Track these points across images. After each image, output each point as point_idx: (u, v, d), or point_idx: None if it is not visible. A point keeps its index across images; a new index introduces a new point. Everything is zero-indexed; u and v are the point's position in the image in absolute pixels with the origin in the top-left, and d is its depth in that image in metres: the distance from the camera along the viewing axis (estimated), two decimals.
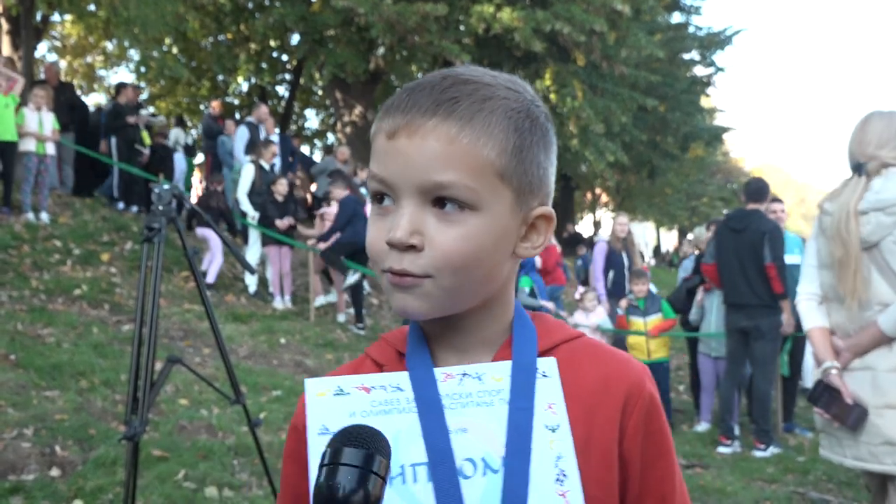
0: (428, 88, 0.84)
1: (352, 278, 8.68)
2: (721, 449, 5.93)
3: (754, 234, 5.72)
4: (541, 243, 0.90)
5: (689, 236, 14.55)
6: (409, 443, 0.82)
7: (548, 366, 0.87)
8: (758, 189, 5.96)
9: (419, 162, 0.81)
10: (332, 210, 9.15)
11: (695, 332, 6.88)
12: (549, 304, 9.36)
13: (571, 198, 24.19)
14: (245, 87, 20.53)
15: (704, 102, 23.39)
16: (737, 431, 6.07)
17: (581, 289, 7.87)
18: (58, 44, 20.16)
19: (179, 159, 12.45)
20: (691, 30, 20.71)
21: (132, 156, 10.52)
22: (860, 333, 2.60)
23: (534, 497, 0.80)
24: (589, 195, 30.51)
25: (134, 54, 18.35)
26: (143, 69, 17.33)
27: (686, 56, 20.82)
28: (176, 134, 13.40)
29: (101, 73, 22.21)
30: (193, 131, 19.06)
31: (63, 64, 19.29)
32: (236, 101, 20.52)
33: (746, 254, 5.73)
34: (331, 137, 21.73)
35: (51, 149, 9.04)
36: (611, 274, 7.97)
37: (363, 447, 0.67)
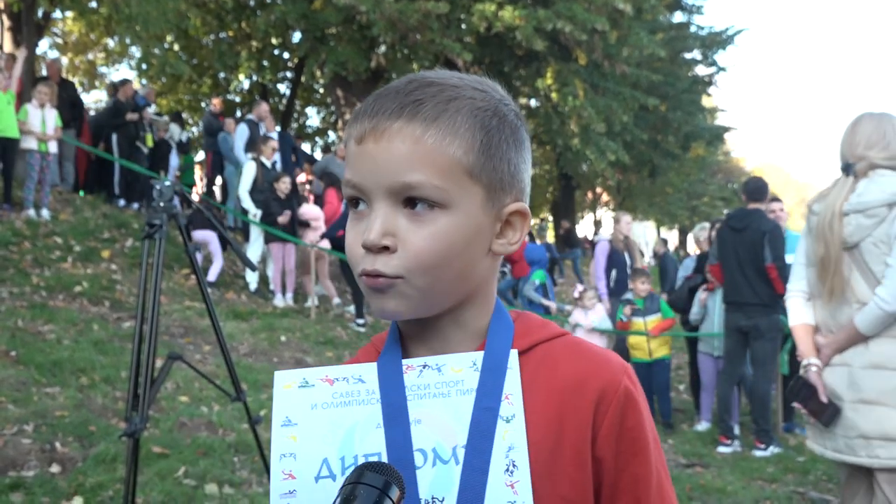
0: (393, 92, 0.85)
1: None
2: (721, 448, 5.94)
3: (755, 234, 5.72)
4: (517, 240, 0.90)
5: (690, 236, 14.53)
6: (365, 433, 0.84)
7: (509, 358, 0.88)
8: (756, 188, 5.97)
9: (387, 164, 0.82)
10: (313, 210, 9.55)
11: (695, 332, 6.88)
12: (552, 304, 9.35)
13: (572, 197, 24.16)
14: (246, 84, 20.51)
15: (706, 102, 23.34)
16: (737, 431, 6.08)
17: (579, 287, 7.85)
18: (59, 41, 20.15)
19: (172, 156, 12.41)
20: (693, 29, 20.67)
21: (133, 153, 10.52)
22: (839, 331, 2.68)
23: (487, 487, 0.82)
24: (590, 194, 30.49)
25: (135, 51, 18.33)
26: (144, 66, 17.32)
27: (688, 55, 20.77)
28: (171, 130, 13.37)
29: (103, 70, 22.22)
30: (193, 129, 19.05)
31: (64, 61, 19.27)
32: (237, 99, 20.50)
33: (746, 253, 5.74)
34: (332, 135, 21.72)
35: (53, 146, 9.03)
36: (613, 273, 7.96)
37: (383, 475, 0.71)
